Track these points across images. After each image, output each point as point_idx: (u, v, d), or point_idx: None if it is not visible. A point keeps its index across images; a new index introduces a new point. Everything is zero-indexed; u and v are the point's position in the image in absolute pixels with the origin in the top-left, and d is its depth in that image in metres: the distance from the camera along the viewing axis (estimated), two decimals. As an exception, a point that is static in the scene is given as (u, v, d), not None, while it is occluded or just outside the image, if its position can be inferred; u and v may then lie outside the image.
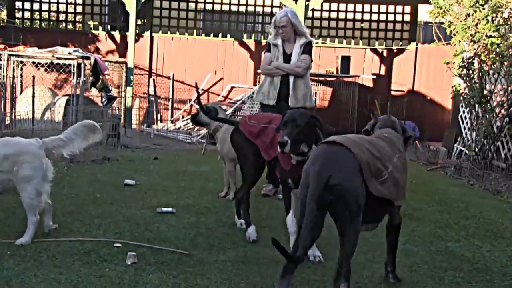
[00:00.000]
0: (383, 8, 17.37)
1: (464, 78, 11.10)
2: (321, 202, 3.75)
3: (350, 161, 3.91)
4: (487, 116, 10.71)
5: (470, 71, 10.99)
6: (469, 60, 11.03)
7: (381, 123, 4.78)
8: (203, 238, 5.61)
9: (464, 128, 12.37)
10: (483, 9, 11.14)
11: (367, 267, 4.99)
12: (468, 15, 11.28)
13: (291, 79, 7.65)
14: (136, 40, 15.01)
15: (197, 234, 5.74)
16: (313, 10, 15.20)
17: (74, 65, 12.05)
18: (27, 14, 17.32)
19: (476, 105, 10.95)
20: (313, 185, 3.76)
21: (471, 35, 11.18)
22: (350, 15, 17.42)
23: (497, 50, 10.74)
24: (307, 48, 7.67)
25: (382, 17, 17.44)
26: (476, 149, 10.95)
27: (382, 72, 16.57)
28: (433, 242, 5.92)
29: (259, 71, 15.29)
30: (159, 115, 15.99)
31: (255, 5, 17.25)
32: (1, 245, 5.04)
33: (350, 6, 17.33)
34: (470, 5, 11.16)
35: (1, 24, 17.45)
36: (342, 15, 17.46)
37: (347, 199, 3.81)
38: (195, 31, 16.87)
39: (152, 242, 5.34)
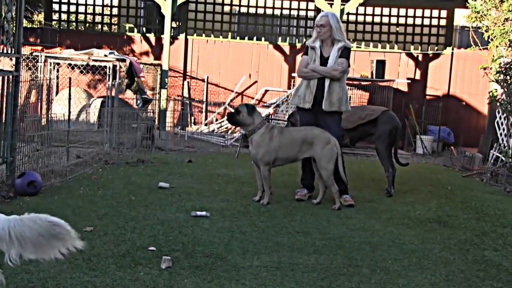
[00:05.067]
0: (418, 12, 17.21)
1: (502, 83, 10.94)
2: None
3: None
4: (525, 122, 10.57)
5: (508, 77, 10.82)
6: (507, 66, 10.87)
7: None
8: (237, 242, 5.60)
9: (501, 134, 12.19)
10: (523, 14, 10.99)
11: (403, 275, 4.94)
12: (507, 19, 11.12)
13: (327, 82, 7.60)
14: (171, 43, 15.05)
15: (231, 238, 5.73)
16: (348, 13, 15.13)
17: (109, 67, 12.09)
18: (63, 17, 17.48)
19: (514, 111, 10.81)
20: None
21: (509, 40, 11.03)
22: (385, 19, 17.29)
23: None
24: (344, 52, 7.62)
25: (418, 21, 17.28)
26: (513, 156, 10.80)
27: (417, 77, 16.41)
28: (469, 251, 5.84)
29: (293, 74, 15.32)
30: (193, 118, 16.04)
31: (290, 9, 17.24)
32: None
33: (386, 10, 17.21)
34: (508, 9, 10.99)
35: (39, 26, 17.66)
36: (377, 19, 17.34)
37: None
38: (229, 34, 16.89)
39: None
